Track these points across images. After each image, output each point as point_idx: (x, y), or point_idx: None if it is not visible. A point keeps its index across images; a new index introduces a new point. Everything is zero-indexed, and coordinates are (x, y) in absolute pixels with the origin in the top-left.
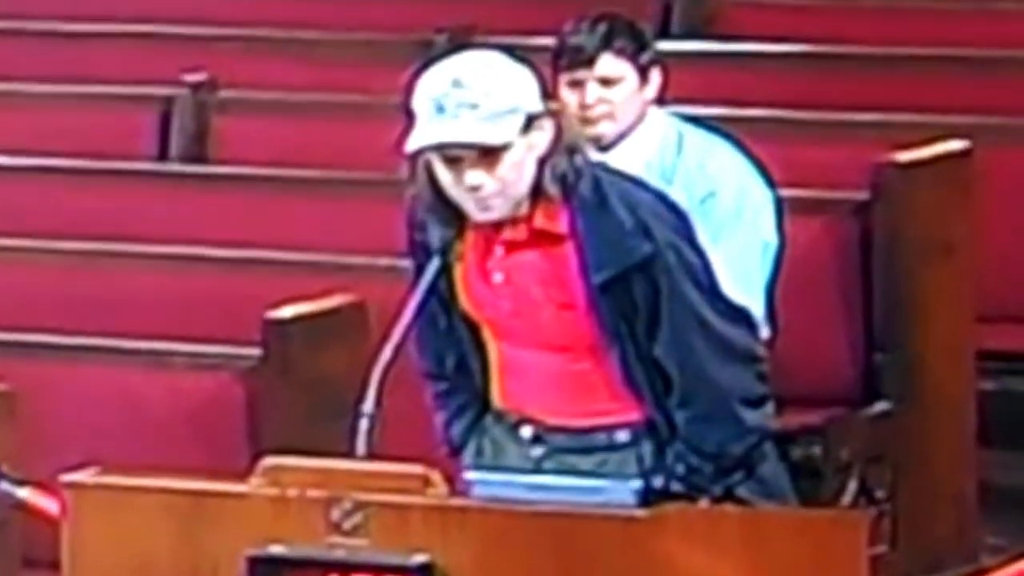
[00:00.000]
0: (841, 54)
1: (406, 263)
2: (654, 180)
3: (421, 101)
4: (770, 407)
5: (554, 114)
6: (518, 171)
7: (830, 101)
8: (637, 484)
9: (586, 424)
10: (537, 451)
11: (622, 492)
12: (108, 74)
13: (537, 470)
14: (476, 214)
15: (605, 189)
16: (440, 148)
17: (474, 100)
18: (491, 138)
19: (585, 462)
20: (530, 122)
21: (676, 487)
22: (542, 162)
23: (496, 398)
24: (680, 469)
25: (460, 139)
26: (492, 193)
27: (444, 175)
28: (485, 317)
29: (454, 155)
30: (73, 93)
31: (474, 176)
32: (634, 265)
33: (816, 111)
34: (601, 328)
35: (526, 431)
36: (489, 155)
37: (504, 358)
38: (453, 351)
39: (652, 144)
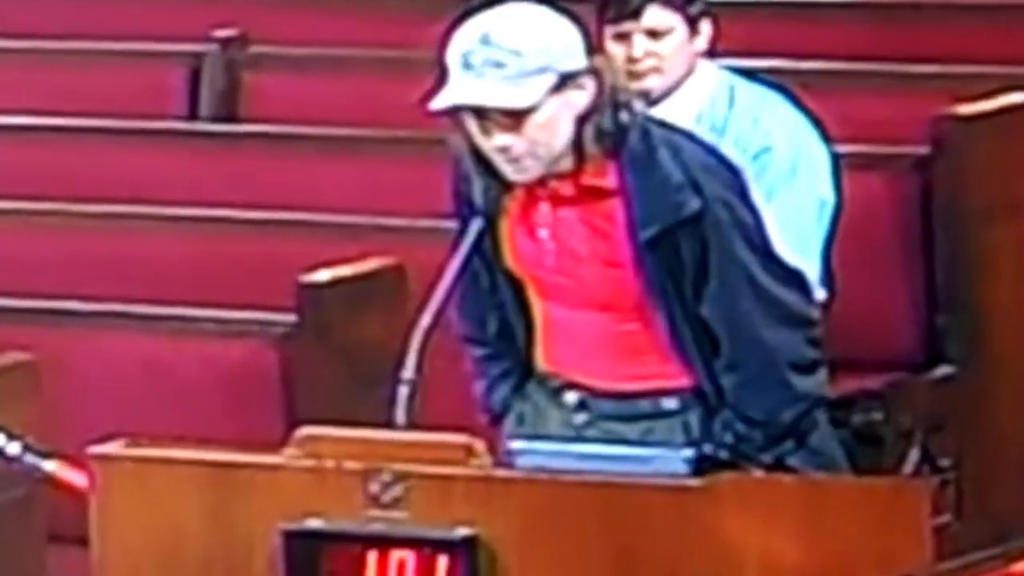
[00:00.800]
0: (898, 3)
1: (446, 224)
2: (706, 134)
3: (452, 55)
4: (823, 374)
5: (596, 72)
6: (548, 131)
7: (887, 52)
8: (689, 452)
9: (632, 388)
10: (580, 417)
11: (673, 461)
12: (133, 30)
13: (579, 438)
14: (510, 175)
15: (655, 142)
16: (461, 109)
17: (500, 59)
18: (514, 100)
19: (630, 430)
20: (565, 81)
21: (723, 456)
22: (583, 120)
23: (540, 361)
24: (728, 437)
25: (480, 101)
26: (522, 153)
27: (476, 133)
28: (529, 274)
29: (483, 113)
30: (96, 50)
31: (501, 137)
32: (682, 221)
33: (873, 63)
34: (648, 286)
35: (570, 396)
36: (515, 116)
37: (548, 318)
38: (495, 313)
39: (702, 98)
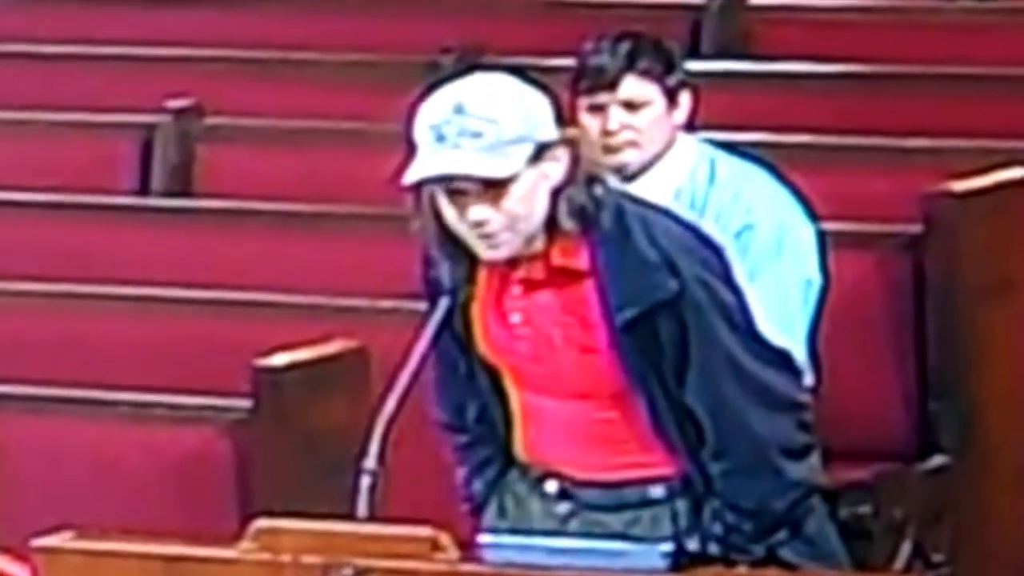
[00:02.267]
0: (889, 74)
1: (411, 305)
2: (684, 212)
3: (421, 129)
4: (815, 458)
5: (570, 142)
6: (527, 204)
7: (878, 126)
8: (667, 547)
9: (616, 478)
10: (563, 508)
11: (650, 556)
12: (81, 99)
13: (563, 530)
14: (484, 252)
15: (629, 221)
16: (439, 180)
17: (477, 128)
18: (495, 170)
19: (615, 520)
20: (541, 151)
21: (713, 548)
22: (556, 194)
23: (519, 450)
24: (717, 528)
25: (460, 171)
26: (499, 229)
27: (448, 209)
28: (504, 362)
29: (457, 188)
30: (42, 120)
31: (478, 211)
32: (660, 303)
33: (862, 136)
34: (626, 373)
35: (551, 486)
36: (494, 188)
37: (526, 407)
38: (475, 400)
39: (682, 173)
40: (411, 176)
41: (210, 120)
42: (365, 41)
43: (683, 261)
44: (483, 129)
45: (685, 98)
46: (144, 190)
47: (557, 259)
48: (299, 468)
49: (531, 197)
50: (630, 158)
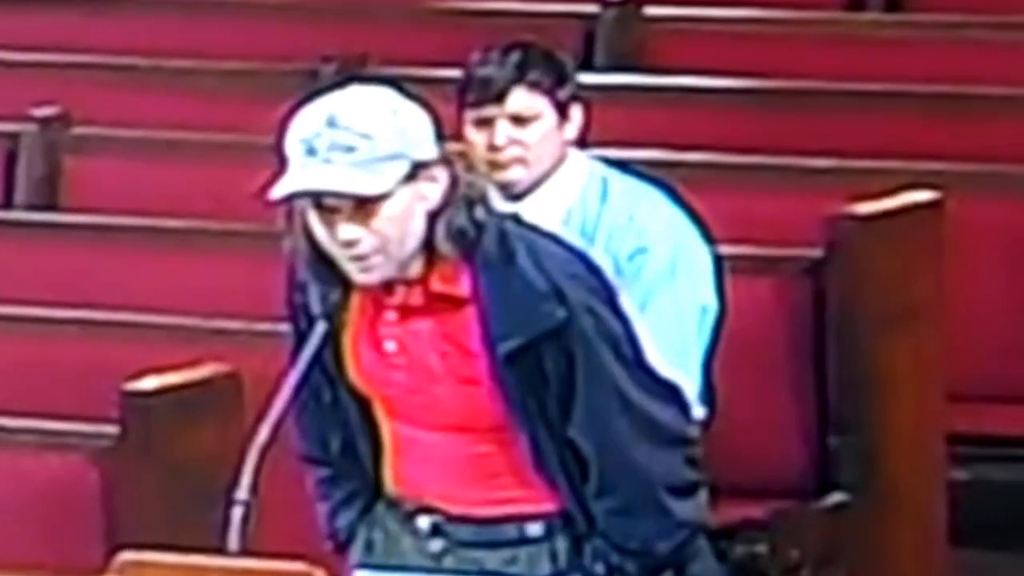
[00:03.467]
0: (791, 89)
1: (287, 328)
2: (574, 234)
3: (292, 142)
4: (703, 496)
5: (448, 162)
6: (400, 226)
7: (778, 144)
8: None
9: (492, 514)
10: (436, 545)
11: None
12: None
13: (436, 568)
14: (355, 275)
15: (512, 245)
16: (308, 196)
17: (349, 142)
18: (365, 187)
19: (492, 558)
20: (417, 170)
21: None
22: (434, 216)
23: (389, 483)
24: (599, 568)
25: (329, 187)
26: (370, 250)
27: (318, 228)
28: (376, 392)
29: (327, 205)
30: None
31: (348, 230)
32: (545, 333)
33: (762, 155)
34: (508, 406)
35: (424, 522)
36: (365, 206)
37: (398, 439)
38: (338, 431)
39: (572, 192)
40: (279, 191)
41: (77, 130)
42: (243, 48)
43: (570, 288)
44: (356, 144)
45: (577, 113)
46: (7, 203)
47: (436, 285)
48: (168, 498)
49: (405, 218)
50: (518, 175)
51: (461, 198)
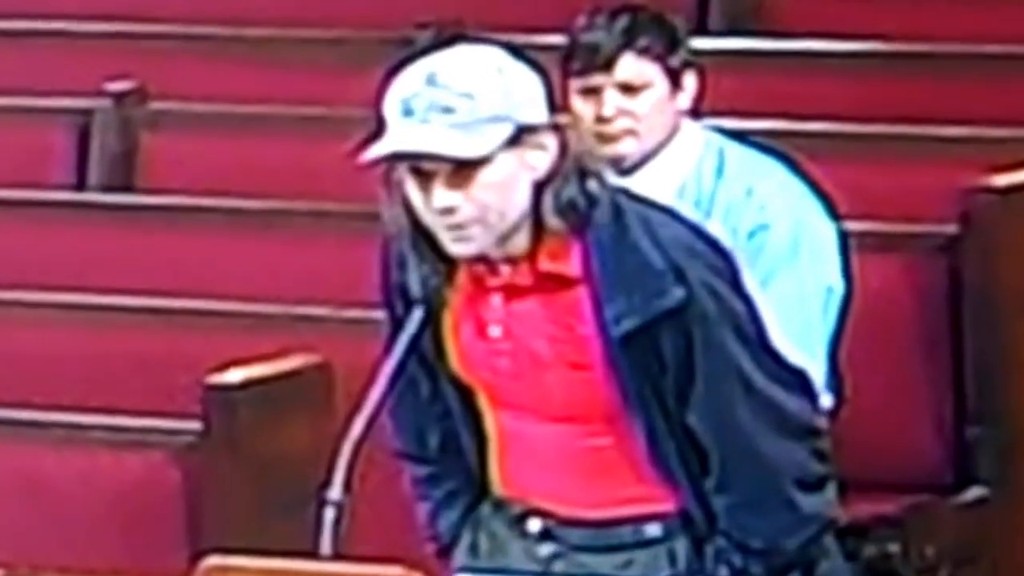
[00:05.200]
0: (921, 53)
1: (380, 315)
2: (689, 210)
3: (391, 103)
4: (832, 491)
5: (559, 128)
6: (501, 194)
7: (908, 111)
8: None
9: (607, 515)
10: (547, 549)
11: None
12: (10, 82)
13: (546, 572)
14: (451, 245)
15: (627, 220)
16: (401, 158)
17: (449, 102)
18: (463, 149)
19: (606, 563)
20: (521, 135)
21: None
22: (541, 187)
23: (496, 483)
24: (722, 572)
25: (423, 148)
26: (468, 219)
27: (415, 195)
28: (479, 380)
29: (423, 169)
30: None
31: (444, 196)
32: (663, 314)
33: (891, 124)
34: (622, 393)
35: (533, 524)
36: (463, 171)
37: (504, 432)
38: (437, 426)
39: (686, 165)
40: (370, 153)
41: (154, 105)
42: (329, 15)
43: (689, 266)
44: (456, 104)
45: (690, 80)
46: (80, 184)
47: (544, 263)
48: (255, 498)
49: (507, 186)
50: (628, 148)
51: (572, 168)
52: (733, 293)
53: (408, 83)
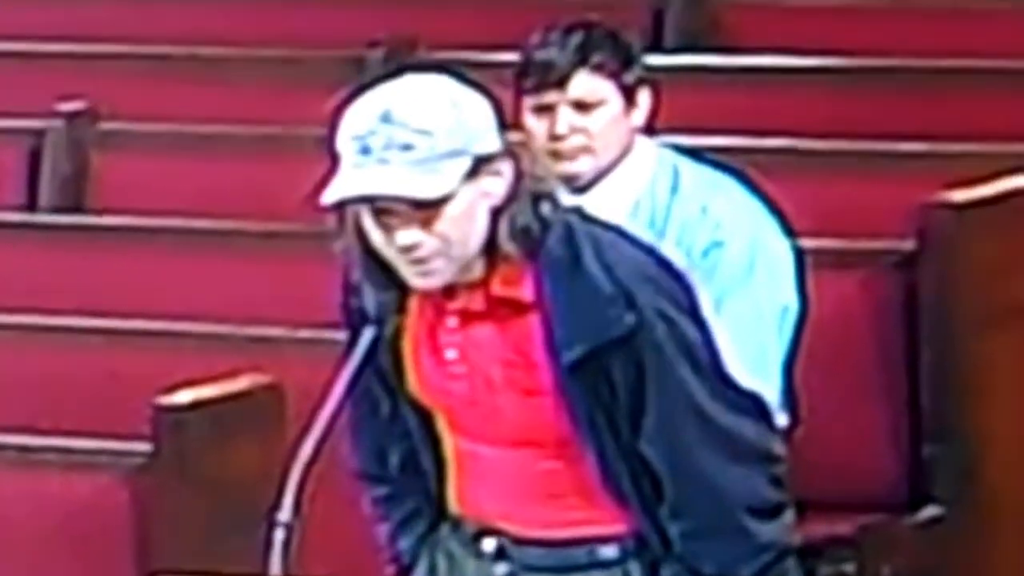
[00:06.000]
0: (878, 68)
1: (332, 335)
2: (643, 228)
3: (344, 140)
4: (789, 517)
5: (513, 154)
6: (463, 227)
7: (865, 127)
8: None
9: (561, 536)
10: (502, 569)
11: None
12: None
13: None
14: (414, 280)
15: (579, 243)
16: (363, 201)
17: (406, 140)
18: (426, 190)
19: None
20: (479, 166)
21: None
22: (496, 213)
23: (453, 502)
24: None
25: (386, 191)
26: (431, 254)
27: (374, 232)
28: (437, 403)
29: (384, 208)
30: None
31: (408, 235)
32: (612, 340)
33: (847, 140)
34: (573, 419)
35: (488, 544)
36: (425, 208)
37: (460, 454)
38: (397, 446)
39: (640, 183)
40: (331, 195)
41: (105, 125)
42: (281, 34)
43: (641, 291)
44: (413, 141)
45: (644, 97)
46: (31, 205)
47: (498, 288)
48: (205, 520)
49: (468, 218)
50: (582, 167)
51: (526, 193)
52: (686, 318)
53: (362, 120)
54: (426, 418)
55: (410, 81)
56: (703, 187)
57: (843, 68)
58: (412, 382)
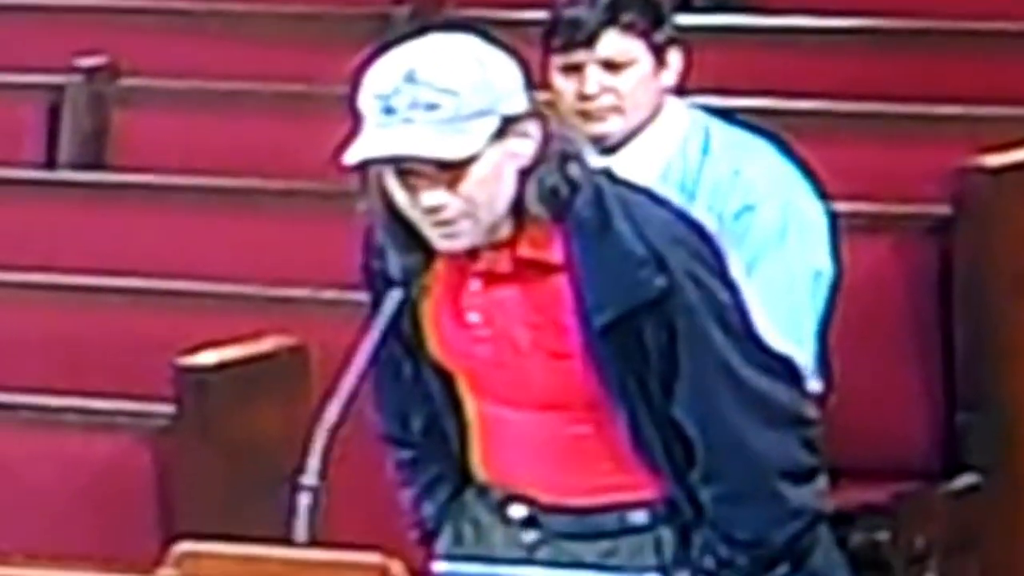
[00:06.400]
0: (912, 29)
1: (357, 296)
2: (673, 191)
3: (367, 99)
4: (822, 482)
5: (541, 115)
6: (490, 188)
7: (899, 90)
8: None
9: (591, 503)
10: (530, 536)
11: None
12: None
13: (529, 560)
14: (439, 242)
15: (608, 205)
16: (387, 161)
17: (432, 99)
18: (451, 150)
19: (590, 550)
20: (506, 126)
21: None
22: (524, 175)
23: (478, 468)
24: (708, 562)
25: (411, 151)
26: (456, 216)
27: (399, 193)
28: (460, 366)
29: (408, 168)
30: None
31: (433, 196)
32: (643, 303)
33: (881, 103)
34: (603, 382)
35: (516, 511)
36: (451, 169)
37: (485, 419)
38: (421, 409)
39: (671, 145)
40: (354, 155)
41: (126, 81)
42: None
43: (672, 254)
44: (439, 101)
45: (675, 57)
46: (51, 162)
47: (525, 250)
48: (228, 483)
49: (495, 180)
50: (612, 127)
51: (555, 154)
52: (717, 281)
53: (385, 79)
54: (449, 382)
55: (435, 40)
56: (735, 149)
57: (876, 29)
58: (433, 345)
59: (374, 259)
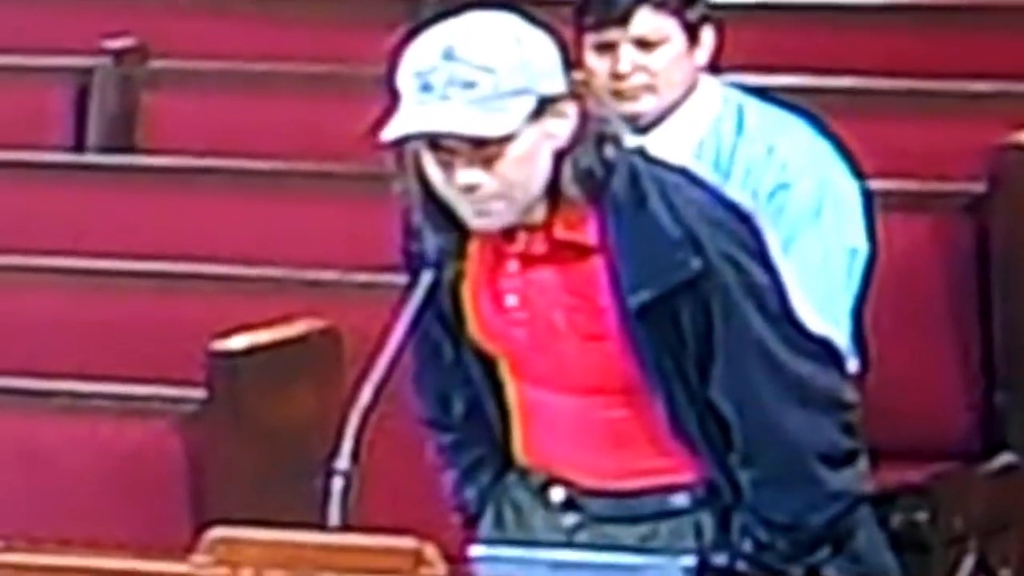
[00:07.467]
0: (949, 6)
1: (390, 279)
2: (708, 169)
3: (406, 76)
4: (862, 465)
5: (578, 96)
6: (526, 168)
7: (935, 67)
8: (689, 561)
9: (630, 486)
10: (570, 519)
11: (670, 571)
12: (7, 41)
13: (570, 543)
14: (472, 220)
15: (644, 186)
16: (424, 138)
17: (470, 77)
18: (489, 128)
19: (630, 533)
20: (544, 106)
21: (743, 567)
22: (560, 156)
23: (519, 451)
24: (747, 546)
25: (448, 128)
26: (491, 195)
27: (434, 171)
28: (499, 349)
29: (445, 146)
30: None
31: (468, 174)
32: (679, 284)
33: (917, 80)
34: (640, 364)
35: (556, 494)
36: (487, 148)
37: (525, 402)
38: (462, 392)
39: (704, 123)
40: (391, 132)
41: (155, 63)
42: None
43: (708, 235)
44: (477, 78)
45: (708, 35)
46: (79, 145)
47: (561, 232)
48: (260, 468)
49: (531, 159)
50: (645, 106)
51: (591, 135)
52: (754, 263)
53: (423, 56)
54: (489, 365)
55: (474, 18)
56: (769, 127)
57: (912, 6)
58: (473, 327)
59: (412, 241)
